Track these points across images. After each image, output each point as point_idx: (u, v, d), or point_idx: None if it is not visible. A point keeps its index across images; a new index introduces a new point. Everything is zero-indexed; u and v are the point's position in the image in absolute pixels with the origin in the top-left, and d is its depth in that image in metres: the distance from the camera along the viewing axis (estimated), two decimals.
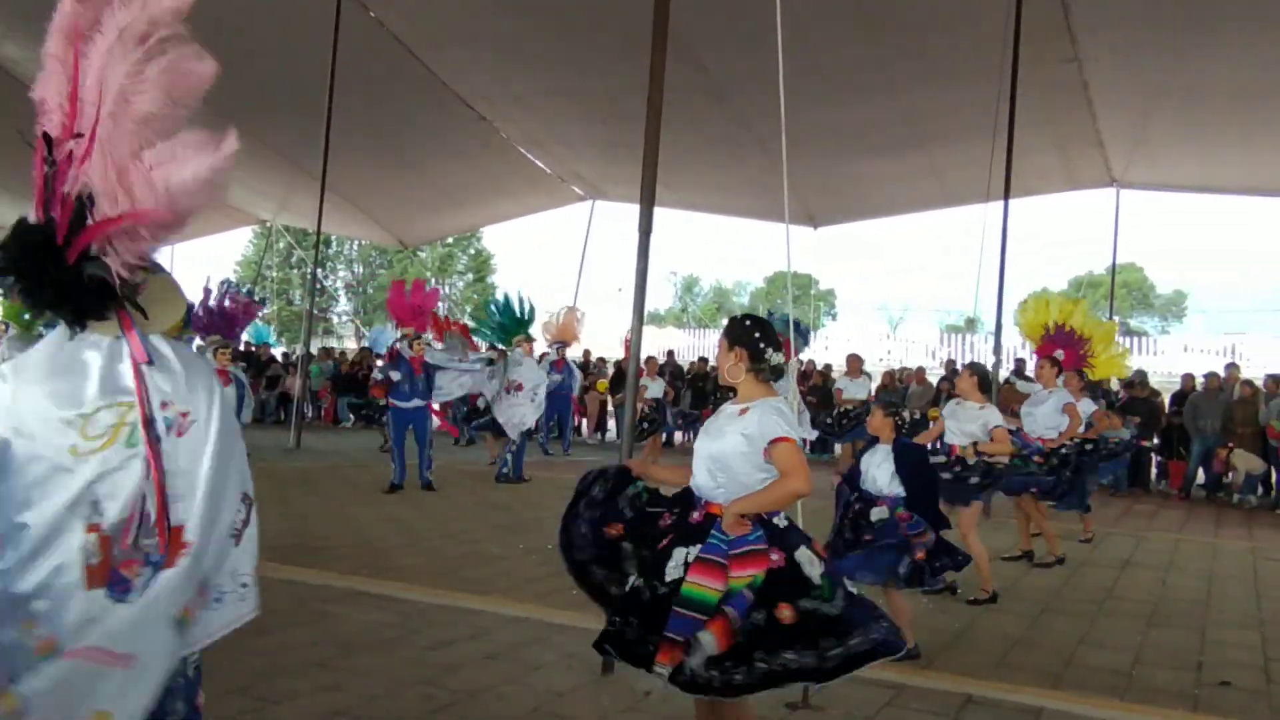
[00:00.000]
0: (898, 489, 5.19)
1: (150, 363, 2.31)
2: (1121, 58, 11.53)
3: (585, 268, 20.09)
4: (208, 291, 9.14)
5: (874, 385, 13.35)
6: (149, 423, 2.26)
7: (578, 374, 15.37)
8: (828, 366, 17.00)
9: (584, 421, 17.94)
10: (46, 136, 2.29)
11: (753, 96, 12.43)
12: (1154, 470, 13.74)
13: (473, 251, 48.59)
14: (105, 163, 2.20)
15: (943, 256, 77.60)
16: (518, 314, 11.89)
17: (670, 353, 21.10)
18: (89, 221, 2.22)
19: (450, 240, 43.83)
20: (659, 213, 5.13)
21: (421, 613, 5.60)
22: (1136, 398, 13.32)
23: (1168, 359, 27.11)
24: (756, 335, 3.35)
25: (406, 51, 13.44)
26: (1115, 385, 14.36)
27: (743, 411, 3.30)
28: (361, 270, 50.16)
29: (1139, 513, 11.33)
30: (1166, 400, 13.77)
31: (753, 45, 10.94)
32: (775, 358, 3.35)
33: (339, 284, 48.89)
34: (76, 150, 2.23)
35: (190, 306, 8.73)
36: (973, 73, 11.40)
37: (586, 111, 14.65)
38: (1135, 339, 31.92)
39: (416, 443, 10.31)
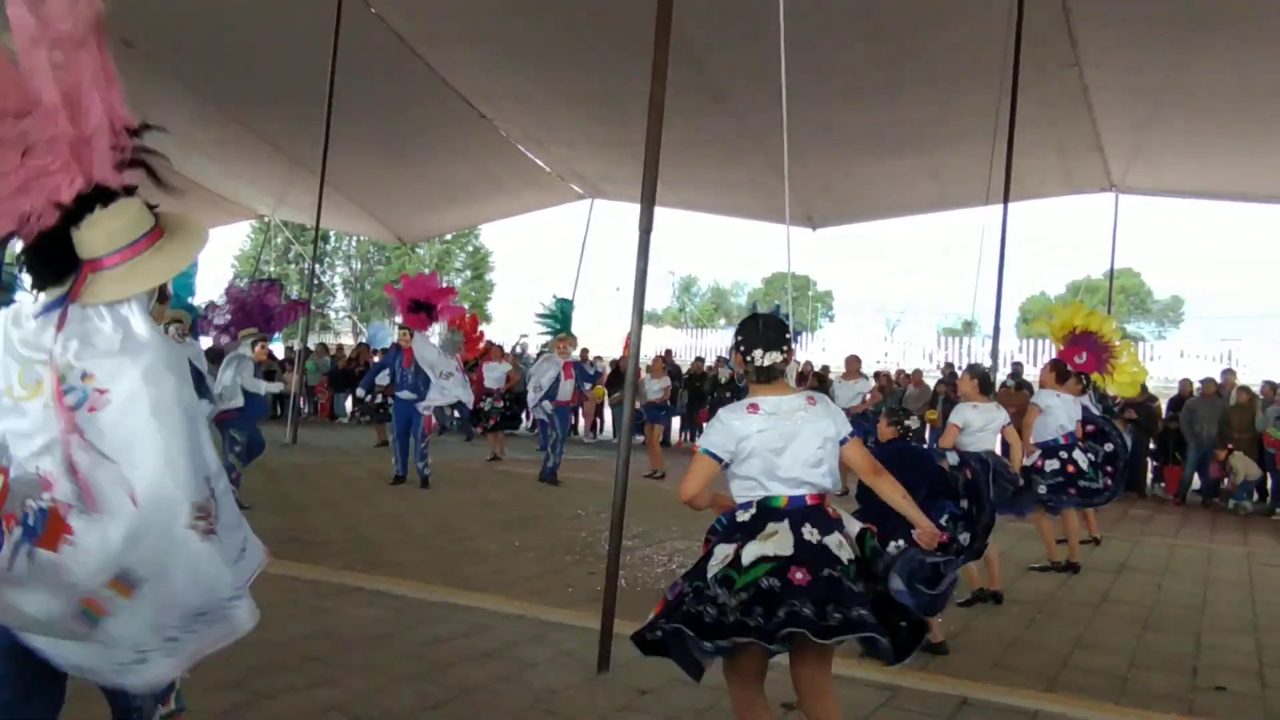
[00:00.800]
0: None
1: (59, 328, 2.25)
2: (1122, 63, 11.54)
3: (583, 266, 20.11)
4: (233, 288, 9.22)
5: (871, 387, 13.32)
6: (60, 384, 2.22)
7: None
8: (825, 368, 17.00)
9: (580, 420, 17.93)
10: None
11: (753, 97, 12.43)
12: (1150, 475, 13.75)
13: (471, 249, 48.54)
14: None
15: (941, 259, 77.69)
16: (562, 315, 12.02)
17: (668, 352, 21.10)
18: None
19: (449, 237, 43.79)
20: (658, 212, 5.12)
21: (417, 609, 5.60)
22: (1134, 402, 13.33)
23: (1164, 364, 27.16)
24: (739, 337, 3.41)
25: (407, 48, 13.42)
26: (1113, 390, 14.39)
27: None
28: (359, 266, 50.10)
29: (1135, 517, 11.34)
30: (1163, 405, 13.77)
31: (753, 46, 10.94)
32: (763, 359, 3.35)
33: (337, 280, 48.82)
34: None
35: (192, 308, 8.72)
36: (973, 76, 11.41)
37: (586, 110, 14.64)
38: (1132, 344, 31.93)
39: (411, 435, 10.36)
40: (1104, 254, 17.19)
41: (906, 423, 5.46)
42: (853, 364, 13.49)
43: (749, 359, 3.37)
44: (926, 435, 10.44)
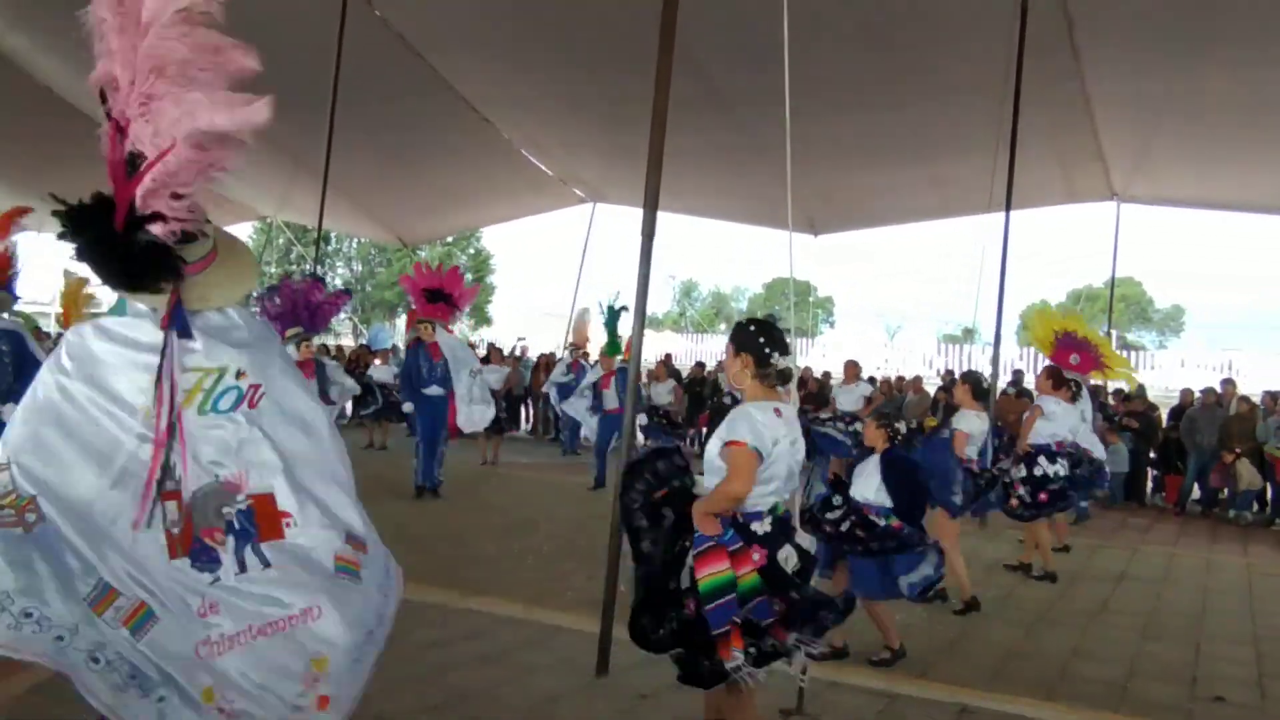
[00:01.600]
0: (884, 499, 5.22)
1: (185, 335, 2.31)
2: (1124, 73, 11.54)
3: (585, 270, 20.11)
4: (287, 284, 9.21)
5: (870, 392, 13.34)
6: (170, 392, 2.27)
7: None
8: (826, 374, 17.00)
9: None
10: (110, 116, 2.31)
11: (755, 104, 12.43)
12: (1150, 484, 13.75)
13: (472, 251, 48.56)
14: (144, 122, 2.21)
15: (942, 266, 77.67)
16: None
17: (668, 356, 21.11)
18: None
19: (450, 240, 43.81)
20: (659, 216, 5.13)
21: (416, 612, 5.57)
22: (1135, 411, 13.35)
23: (1165, 373, 27.17)
24: (761, 340, 3.37)
25: (411, 51, 13.44)
26: (1112, 400, 14.39)
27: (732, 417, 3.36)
28: (360, 268, 50.14)
29: (1134, 526, 11.34)
30: (1164, 414, 13.78)
31: (756, 53, 10.93)
32: (782, 362, 3.37)
33: (337, 281, 48.85)
34: (121, 118, 2.24)
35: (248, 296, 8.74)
36: (976, 86, 11.42)
37: (589, 115, 14.65)
38: (1133, 353, 31.96)
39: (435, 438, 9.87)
40: (1105, 263, 17.19)
41: (896, 425, 5.52)
42: (851, 369, 13.53)
43: (772, 362, 3.36)
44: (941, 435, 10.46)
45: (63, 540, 2.18)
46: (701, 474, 3.41)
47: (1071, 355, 8.60)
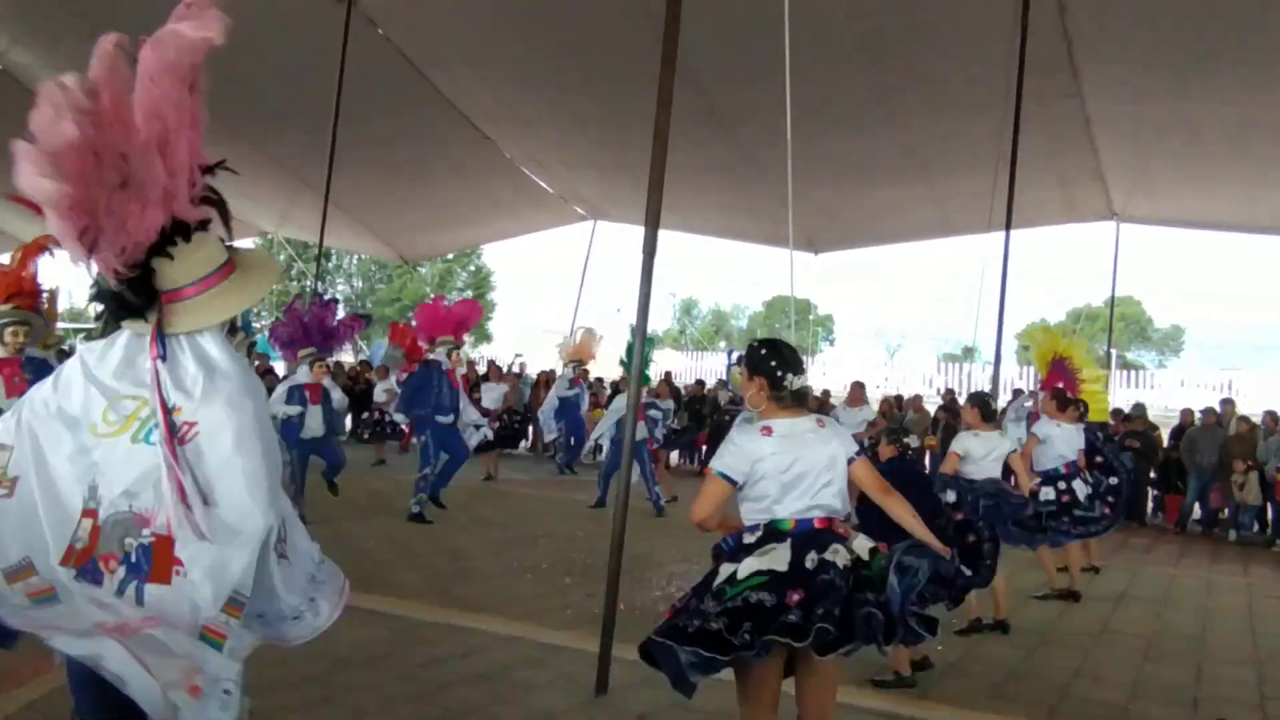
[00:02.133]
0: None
1: (163, 359, 2.33)
2: (1124, 93, 11.60)
3: (585, 288, 20.15)
4: (300, 305, 9.08)
5: (875, 415, 13.32)
6: (168, 420, 2.30)
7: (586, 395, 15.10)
8: (826, 393, 16.99)
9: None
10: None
11: (756, 122, 12.49)
12: (1150, 504, 13.72)
13: (473, 268, 48.65)
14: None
15: (942, 285, 77.74)
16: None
17: (668, 374, 21.10)
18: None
19: (450, 256, 43.87)
20: (660, 234, 5.14)
21: (414, 629, 5.57)
22: (1135, 431, 13.33)
23: (1164, 393, 27.15)
24: (773, 362, 3.40)
25: (413, 69, 13.51)
26: (1112, 421, 14.38)
27: None
28: (361, 285, 50.20)
29: (1135, 546, 11.31)
30: (1165, 434, 13.76)
31: (756, 72, 11.00)
32: (796, 382, 3.38)
33: (338, 298, 48.92)
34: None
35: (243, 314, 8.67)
36: (976, 105, 11.47)
37: (590, 133, 14.71)
38: (1132, 373, 31.96)
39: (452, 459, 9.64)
40: (1104, 282, 17.23)
41: (906, 440, 5.49)
42: (857, 391, 13.51)
43: (785, 383, 3.38)
44: (926, 461, 10.44)
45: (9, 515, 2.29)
46: None
47: (1058, 381, 8.68)
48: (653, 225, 5.00)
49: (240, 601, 2.33)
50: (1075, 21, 10.11)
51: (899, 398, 16.67)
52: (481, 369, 18.10)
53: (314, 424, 8.76)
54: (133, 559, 2.26)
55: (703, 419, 16.09)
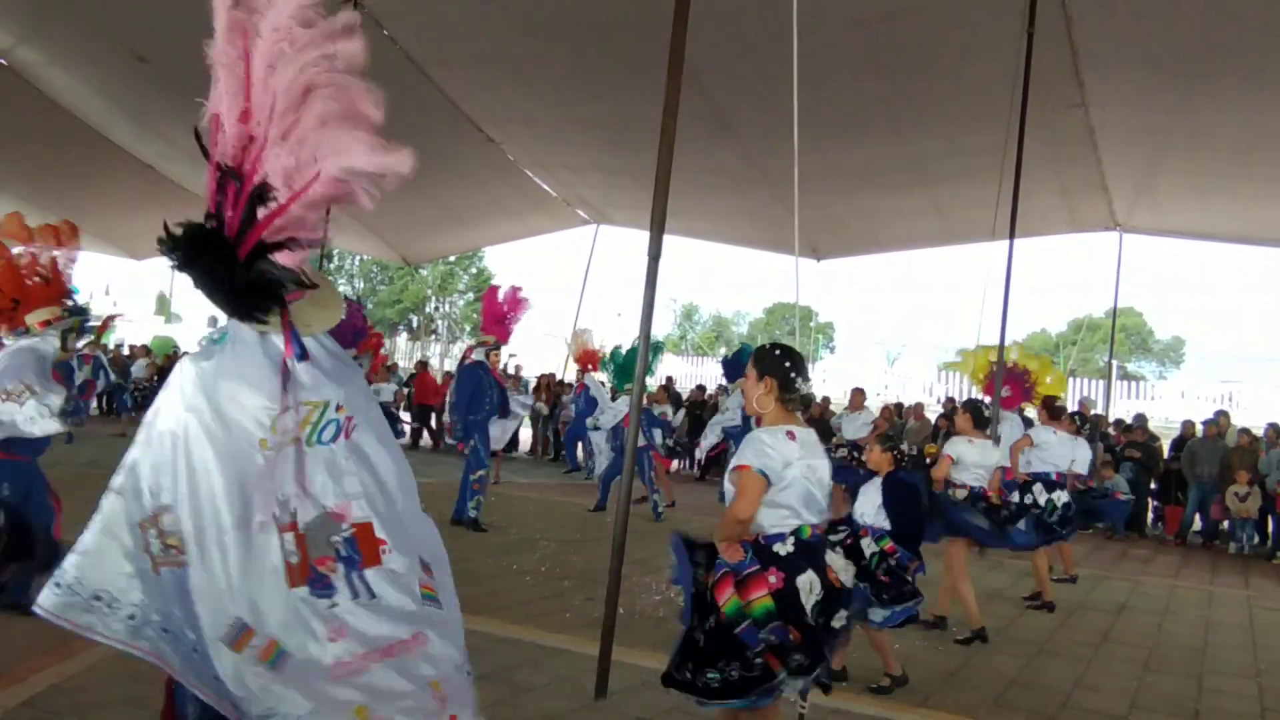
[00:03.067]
0: (882, 521, 5.20)
1: (304, 358, 2.41)
2: (1128, 104, 11.60)
3: (587, 292, 20.12)
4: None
5: (874, 418, 13.33)
6: (336, 418, 2.44)
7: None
8: (826, 399, 16.98)
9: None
10: (205, 148, 2.38)
11: (760, 128, 12.49)
12: (1151, 515, 13.71)
13: (474, 270, 48.71)
14: (281, 155, 2.27)
15: (943, 293, 77.81)
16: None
17: (669, 379, 21.09)
18: (259, 216, 2.30)
19: (452, 259, 43.91)
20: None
21: None
22: (1136, 441, 13.32)
23: (1165, 404, 27.14)
24: (787, 365, 3.40)
25: (418, 70, 13.50)
26: (1113, 431, 14.37)
27: None
28: (362, 285, 50.24)
29: (1135, 557, 11.29)
30: (1165, 446, 13.75)
31: (762, 78, 11.02)
32: (805, 388, 3.40)
33: (362, 299, 49.01)
34: (251, 149, 2.30)
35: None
36: (980, 114, 11.46)
37: (594, 137, 14.70)
38: (1133, 384, 31.94)
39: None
40: (1106, 292, 17.25)
41: (901, 448, 5.52)
42: (858, 396, 13.57)
43: (796, 387, 3.38)
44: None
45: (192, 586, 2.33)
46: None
47: (1004, 389, 8.88)
48: (658, 228, 5.00)
49: (428, 564, 2.57)
50: (1081, 31, 10.11)
51: (899, 406, 16.67)
52: None
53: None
54: (343, 553, 2.39)
55: (703, 425, 16.05)
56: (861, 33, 10.49)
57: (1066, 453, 7.87)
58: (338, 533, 2.39)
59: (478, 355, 9.44)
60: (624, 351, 12.03)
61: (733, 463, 3.34)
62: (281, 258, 2.34)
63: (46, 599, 2.34)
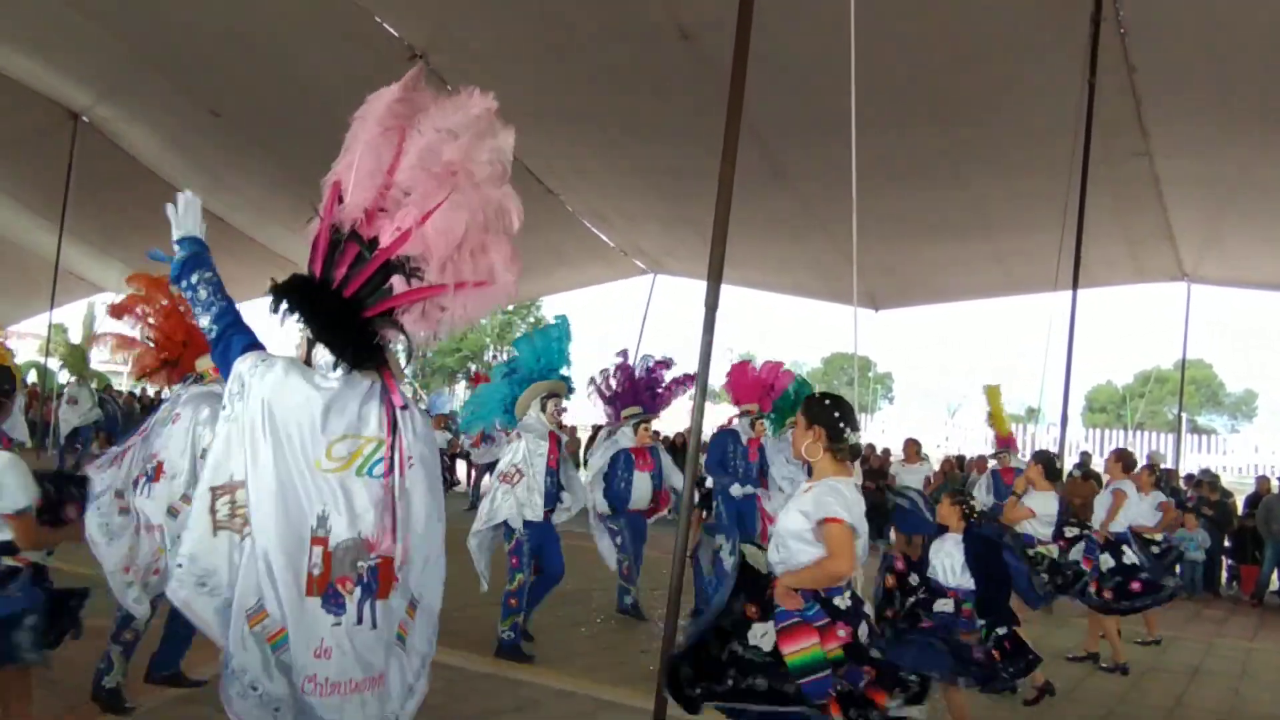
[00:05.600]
0: (968, 582, 5.00)
1: (405, 408, 2.70)
2: (1194, 153, 11.42)
3: (643, 341, 20.15)
4: (626, 364, 8.45)
5: (933, 471, 13.10)
6: (399, 460, 2.63)
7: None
8: (886, 451, 16.75)
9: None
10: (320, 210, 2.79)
11: (818, 177, 12.49)
12: (1225, 574, 13.23)
13: (532, 320, 49.07)
14: (437, 241, 2.60)
15: (1005, 344, 76.63)
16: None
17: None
18: (394, 288, 2.63)
19: (510, 308, 44.35)
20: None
21: (467, 680, 5.53)
22: (1208, 498, 12.92)
23: (1238, 457, 26.36)
24: (836, 415, 3.41)
25: None
26: (1183, 484, 13.96)
27: (808, 489, 3.33)
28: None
29: (1209, 618, 10.89)
30: (1239, 502, 13.32)
31: (819, 127, 11.02)
32: (854, 438, 3.39)
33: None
34: (379, 220, 2.63)
35: None
36: (1042, 164, 11.35)
37: (651, 186, 14.84)
38: (1203, 437, 31.09)
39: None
40: (1174, 344, 16.85)
41: (971, 503, 5.36)
42: (911, 448, 13.30)
43: (845, 436, 3.40)
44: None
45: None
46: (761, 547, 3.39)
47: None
48: (715, 277, 5.00)
49: (413, 603, 2.71)
50: (1145, 81, 10.00)
51: (961, 458, 16.38)
52: None
53: (641, 493, 8.07)
54: (364, 580, 2.56)
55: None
56: (922, 83, 10.49)
57: (1143, 510, 7.65)
58: (365, 559, 2.56)
59: (740, 425, 8.82)
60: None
61: (815, 514, 3.27)
62: (390, 330, 2.70)
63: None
